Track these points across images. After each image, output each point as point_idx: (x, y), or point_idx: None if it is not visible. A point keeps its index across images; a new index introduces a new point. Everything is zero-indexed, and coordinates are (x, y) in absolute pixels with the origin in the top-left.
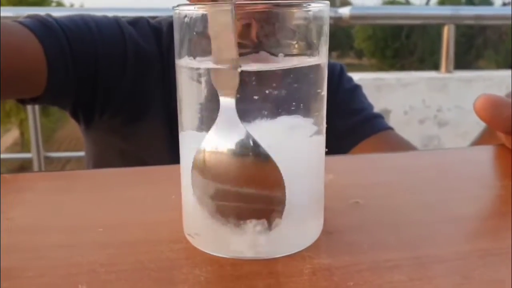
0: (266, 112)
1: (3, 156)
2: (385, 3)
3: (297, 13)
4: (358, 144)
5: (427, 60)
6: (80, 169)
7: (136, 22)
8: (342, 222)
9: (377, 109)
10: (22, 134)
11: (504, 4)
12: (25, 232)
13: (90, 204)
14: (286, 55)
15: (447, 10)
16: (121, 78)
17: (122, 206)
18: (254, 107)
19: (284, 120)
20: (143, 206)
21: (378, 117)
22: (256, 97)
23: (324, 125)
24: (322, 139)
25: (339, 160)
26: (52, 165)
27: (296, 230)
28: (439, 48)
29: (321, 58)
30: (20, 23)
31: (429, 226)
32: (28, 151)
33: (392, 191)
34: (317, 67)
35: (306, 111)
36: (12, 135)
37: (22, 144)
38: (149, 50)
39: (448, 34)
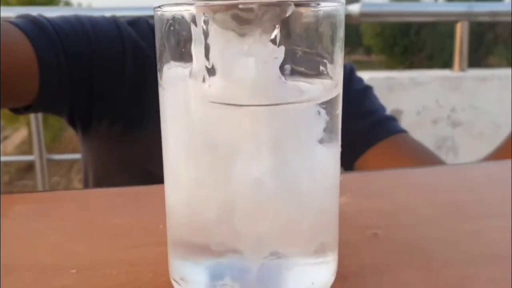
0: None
1: (7, 158)
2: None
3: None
4: (370, 148)
5: (436, 57)
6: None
7: (135, 22)
8: (359, 261)
9: (388, 109)
10: (30, 133)
11: None
12: None
13: (66, 236)
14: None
15: (460, 7)
16: (120, 80)
17: (102, 239)
18: None
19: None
20: (127, 239)
21: (391, 119)
22: None
23: (339, 148)
24: (338, 163)
25: (355, 178)
26: (57, 166)
27: (304, 276)
28: (449, 45)
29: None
30: (11, 23)
31: (464, 268)
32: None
33: (415, 218)
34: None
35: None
36: (21, 134)
37: (30, 143)
38: (148, 51)
39: (461, 31)
